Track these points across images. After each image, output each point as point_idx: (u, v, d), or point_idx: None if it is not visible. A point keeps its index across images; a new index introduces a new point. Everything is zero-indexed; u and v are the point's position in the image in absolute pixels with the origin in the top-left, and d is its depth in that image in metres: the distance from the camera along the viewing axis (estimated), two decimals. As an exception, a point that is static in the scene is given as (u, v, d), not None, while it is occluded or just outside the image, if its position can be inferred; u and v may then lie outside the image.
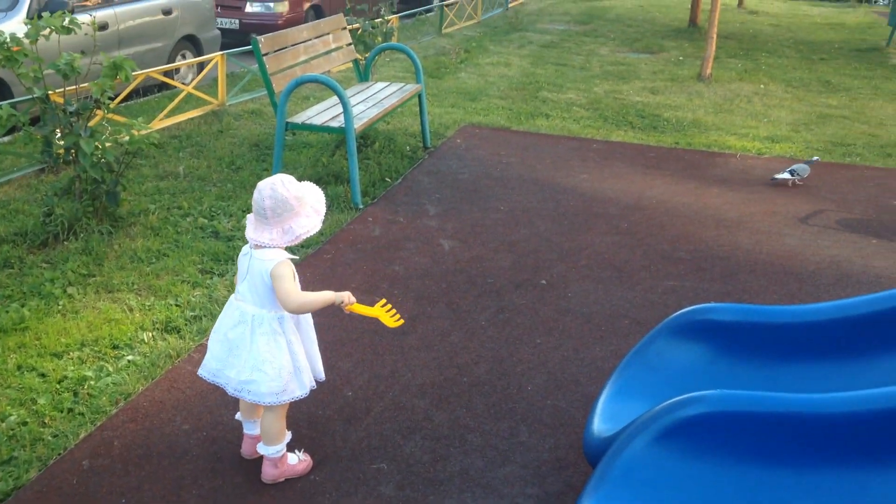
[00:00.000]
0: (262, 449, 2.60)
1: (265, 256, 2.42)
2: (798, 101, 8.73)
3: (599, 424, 2.55)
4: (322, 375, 2.68)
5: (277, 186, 2.37)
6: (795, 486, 2.20)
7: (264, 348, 2.46)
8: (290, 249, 2.51)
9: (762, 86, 9.43)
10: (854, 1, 20.11)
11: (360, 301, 2.60)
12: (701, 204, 5.36)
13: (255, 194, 2.40)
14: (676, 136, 7.04)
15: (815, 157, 6.01)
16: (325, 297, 2.46)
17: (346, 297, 2.49)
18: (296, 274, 2.49)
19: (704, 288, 4.14)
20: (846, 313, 2.79)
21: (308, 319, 2.61)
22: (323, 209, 2.49)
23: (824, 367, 2.79)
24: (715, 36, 9.52)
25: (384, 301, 2.64)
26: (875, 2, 20.70)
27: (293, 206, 2.38)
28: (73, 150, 4.35)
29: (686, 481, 2.21)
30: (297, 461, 2.67)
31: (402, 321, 2.64)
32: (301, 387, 2.55)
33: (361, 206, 5.06)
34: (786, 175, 5.79)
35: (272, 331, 2.47)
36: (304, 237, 2.43)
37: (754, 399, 2.26)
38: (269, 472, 2.61)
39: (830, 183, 5.88)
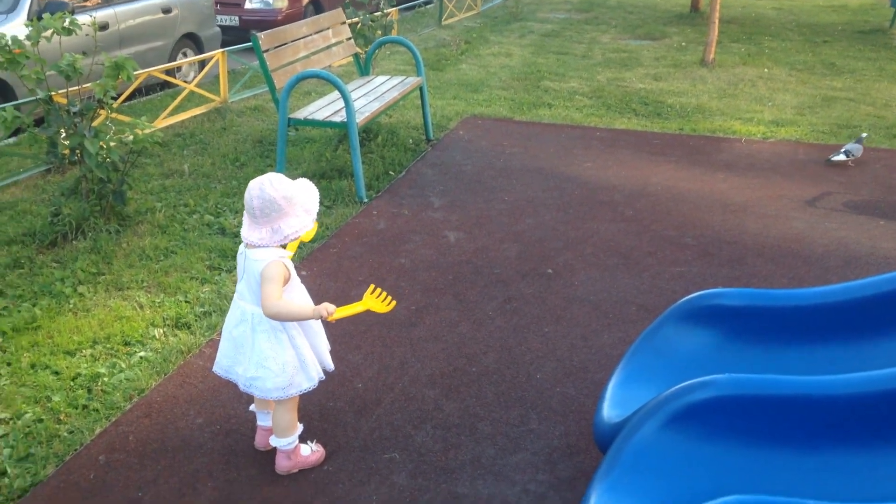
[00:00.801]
0: (274, 441, 2.63)
1: (258, 256, 2.41)
2: (802, 84, 8.70)
3: (609, 410, 2.56)
4: (330, 365, 2.70)
5: (266, 186, 2.35)
6: (805, 466, 2.21)
7: (266, 345, 2.48)
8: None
9: (766, 70, 9.40)
10: (856, -18, 19.98)
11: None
12: (707, 189, 5.36)
13: (246, 194, 2.39)
14: (680, 122, 7.03)
15: (865, 134, 6.05)
16: (305, 311, 2.44)
17: (325, 310, 2.46)
18: (292, 273, 2.48)
19: (712, 273, 4.15)
20: (853, 295, 2.80)
21: None
22: (315, 208, 2.46)
23: (832, 350, 2.80)
24: (717, 21, 9.48)
25: (372, 287, 2.65)
26: (877, -18, 20.56)
27: (282, 206, 2.36)
28: (77, 151, 4.37)
29: (696, 465, 2.23)
30: (310, 452, 2.69)
31: (393, 303, 2.64)
32: (308, 379, 2.57)
33: (366, 200, 5.08)
34: (841, 156, 5.87)
35: (272, 328, 2.47)
36: (294, 237, 2.41)
37: (762, 382, 2.27)
38: (282, 464, 2.64)
39: (836, 165, 5.86)
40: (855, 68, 9.54)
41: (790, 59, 10.10)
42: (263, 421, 2.72)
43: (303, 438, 2.72)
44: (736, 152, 6.20)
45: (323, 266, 4.15)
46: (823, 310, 2.81)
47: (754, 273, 4.15)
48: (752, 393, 2.25)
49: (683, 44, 11.14)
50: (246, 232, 2.43)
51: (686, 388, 2.26)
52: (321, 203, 4.94)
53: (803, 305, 2.83)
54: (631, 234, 4.62)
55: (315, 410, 2.97)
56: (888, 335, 2.76)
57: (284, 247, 2.48)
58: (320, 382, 2.62)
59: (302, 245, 4.37)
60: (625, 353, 2.84)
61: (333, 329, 3.49)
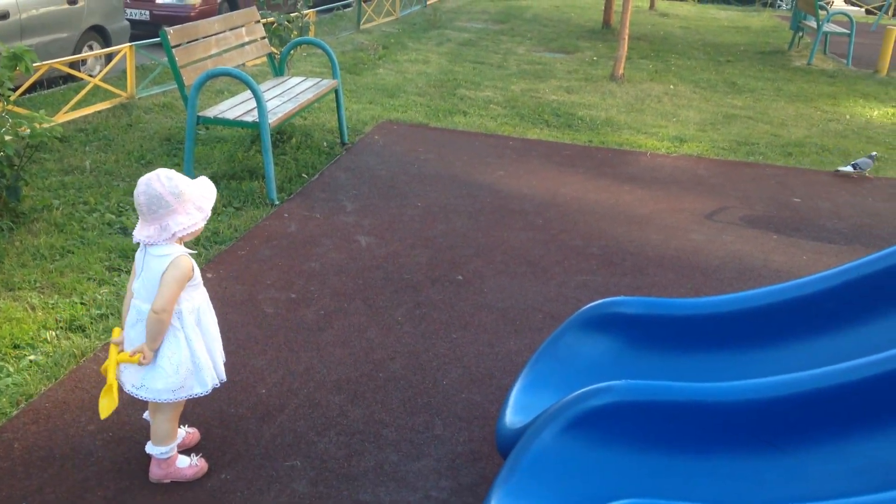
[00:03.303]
0: (150, 449, 2.54)
1: (159, 253, 2.36)
2: (705, 101, 9.04)
3: (511, 416, 2.60)
4: (223, 376, 2.61)
5: (153, 182, 2.29)
6: (696, 471, 2.29)
7: (163, 344, 2.42)
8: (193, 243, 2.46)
9: (672, 86, 9.74)
10: (759, 5, 20.94)
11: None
12: (613, 201, 5.51)
13: (135, 190, 2.33)
14: (590, 135, 7.20)
15: (875, 153, 6.56)
16: (161, 337, 2.39)
17: (148, 351, 2.37)
18: (197, 272, 2.45)
19: (615, 282, 4.25)
20: (746, 305, 2.92)
21: (211, 316, 2.55)
22: (208, 206, 2.40)
23: (726, 358, 2.91)
24: (627, 37, 9.77)
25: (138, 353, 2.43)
26: (778, 6, 21.61)
27: (169, 202, 2.30)
28: (-31, 143, 4.15)
29: (594, 469, 2.28)
30: (188, 465, 2.59)
31: (138, 356, 2.39)
32: (202, 384, 2.50)
33: (277, 202, 5.00)
34: (849, 168, 6.34)
35: (171, 326, 2.42)
36: (181, 235, 2.35)
37: (658, 388, 2.34)
38: (154, 472, 2.56)
39: (734, 180, 6.12)
40: (755, 88, 9.98)
41: (695, 76, 10.49)
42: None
43: (188, 451, 2.64)
44: (641, 165, 6.39)
45: (230, 269, 4.06)
46: (719, 319, 2.93)
47: (654, 283, 4.28)
48: (648, 399, 2.32)
49: (595, 58, 11.42)
50: (137, 228, 2.38)
51: (584, 394, 2.31)
52: (230, 205, 4.88)
53: (700, 314, 2.93)
54: (539, 243, 4.69)
55: (215, 417, 2.90)
56: (779, 344, 2.90)
57: (193, 244, 2.42)
58: (214, 390, 2.54)
59: (208, 246, 4.26)
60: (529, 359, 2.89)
61: (237, 333, 3.42)
